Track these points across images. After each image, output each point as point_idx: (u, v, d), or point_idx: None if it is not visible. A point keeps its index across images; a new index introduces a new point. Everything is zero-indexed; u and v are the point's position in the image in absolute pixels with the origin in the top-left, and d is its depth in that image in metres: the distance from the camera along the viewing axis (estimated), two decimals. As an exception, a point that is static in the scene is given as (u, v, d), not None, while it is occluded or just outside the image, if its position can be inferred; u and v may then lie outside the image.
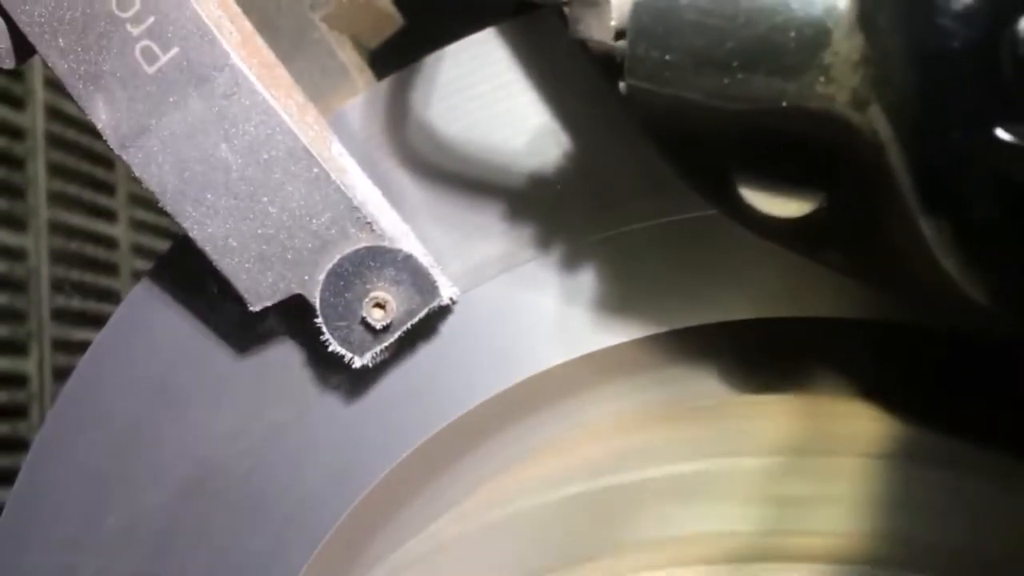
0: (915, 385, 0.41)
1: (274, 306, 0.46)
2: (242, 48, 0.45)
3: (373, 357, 0.47)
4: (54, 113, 2.24)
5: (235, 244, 0.46)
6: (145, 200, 2.58)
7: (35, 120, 2.24)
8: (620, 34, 0.31)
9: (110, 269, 2.47)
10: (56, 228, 2.27)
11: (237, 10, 0.47)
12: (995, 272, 0.28)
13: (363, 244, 0.45)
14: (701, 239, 0.44)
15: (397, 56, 0.63)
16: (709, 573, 0.34)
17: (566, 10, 0.32)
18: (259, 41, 0.47)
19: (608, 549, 0.38)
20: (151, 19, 0.44)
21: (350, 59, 0.60)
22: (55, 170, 2.32)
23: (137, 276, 2.54)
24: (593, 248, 0.45)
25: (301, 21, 0.59)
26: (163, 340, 0.49)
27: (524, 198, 0.46)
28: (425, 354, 0.47)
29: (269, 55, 0.48)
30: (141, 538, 0.49)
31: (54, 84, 2.26)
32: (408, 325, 0.46)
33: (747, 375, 0.44)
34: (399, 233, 0.46)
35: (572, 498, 0.41)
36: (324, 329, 0.46)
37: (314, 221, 0.45)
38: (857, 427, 0.41)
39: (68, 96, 0.45)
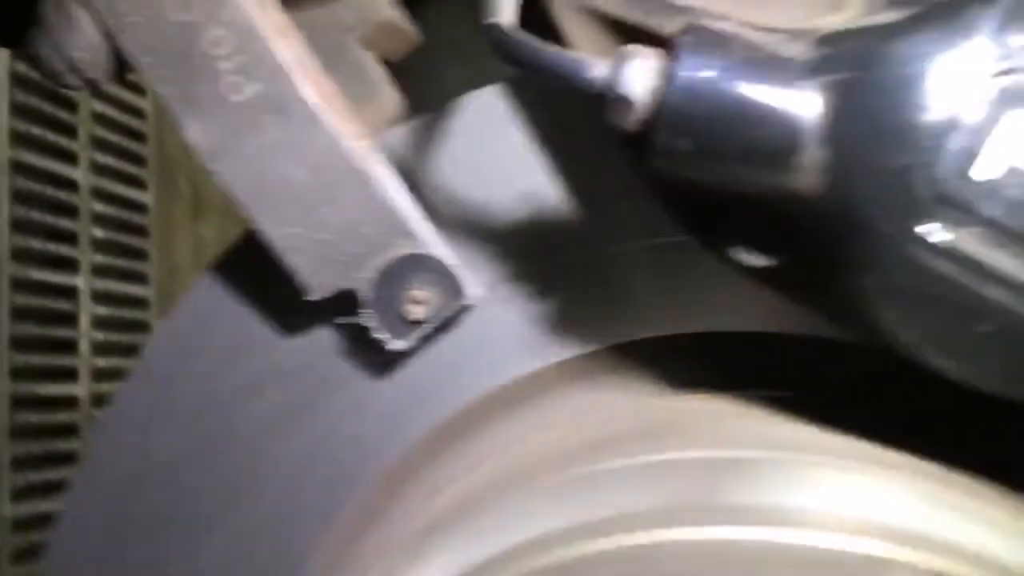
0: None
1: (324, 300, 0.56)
2: (311, 84, 0.54)
3: (407, 344, 0.57)
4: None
5: (299, 245, 0.55)
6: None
7: None
8: (642, 123, 0.41)
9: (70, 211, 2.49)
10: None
11: (306, 52, 0.56)
12: (895, 325, 0.39)
13: (407, 251, 0.55)
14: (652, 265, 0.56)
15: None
16: None
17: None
18: (320, 75, 0.56)
19: None
20: (239, 58, 0.52)
21: (379, 76, 0.69)
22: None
23: (96, 219, 2.57)
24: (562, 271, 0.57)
25: (338, 42, 0.67)
26: (224, 325, 0.59)
27: (507, 235, 0.57)
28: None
29: (328, 86, 0.57)
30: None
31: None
32: (439, 320, 0.56)
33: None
34: (433, 241, 0.56)
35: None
36: (369, 319, 0.56)
37: (366, 229, 0.55)
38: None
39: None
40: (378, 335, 0.56)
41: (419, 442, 0.59)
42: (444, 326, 0.57)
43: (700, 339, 0.57)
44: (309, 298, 0.56)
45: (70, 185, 2.57)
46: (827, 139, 0.38)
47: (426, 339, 0.57)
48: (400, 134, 0.59)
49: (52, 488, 2.33)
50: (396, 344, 0.56)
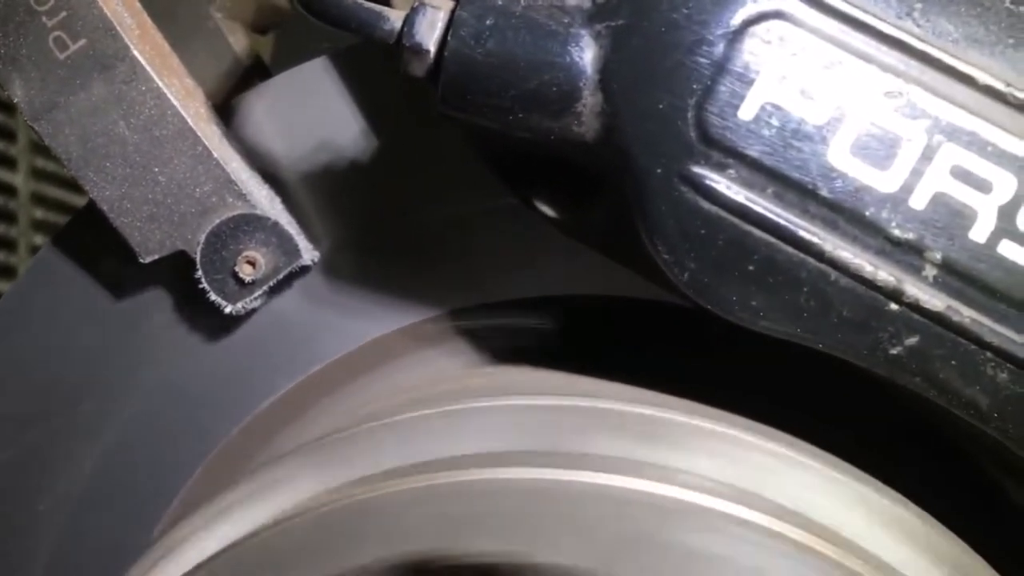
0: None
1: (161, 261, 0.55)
2: (140, 40, 0.53)
3: (243, 306, 0.56)
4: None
5: (129, 206, 0.54)
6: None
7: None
8: (431, 72, 0.41)
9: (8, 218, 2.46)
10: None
11: (138, 7, 0.55)
12: (671, 267, 0.39)
13: (238, 211, 0.55)
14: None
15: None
16: None
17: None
18: (156, 33, 0.56)
19: None
20: (63, 13, 0.52)
21: (240, 45, 0.69)
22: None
23: (36, 226, 2.54)
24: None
25: (198, 10, 0.67)
26: (66, 299, 0.58)
27: (348, 200, 0.57)
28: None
29: (164, 45, 0.56)
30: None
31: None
32: (274, 281, 0.56)
33: None
34: (269, 203, 0.56)
35: None
36: (203, 280, 0.55)
37: (197, 190, 0.54)
38: None
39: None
40: (212, 297, 0.56)
41: (257, 414, 0.58)
42: (278, 288, 0.57)
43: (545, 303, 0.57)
44: (141, 260, 0.55)
45: (9, 191, 2.53)
46: (602, 84, 0.38)
47: (262, 303, 0.57)
48: (244, 100, 0.59)
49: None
50: (230, 306, 0.56)
